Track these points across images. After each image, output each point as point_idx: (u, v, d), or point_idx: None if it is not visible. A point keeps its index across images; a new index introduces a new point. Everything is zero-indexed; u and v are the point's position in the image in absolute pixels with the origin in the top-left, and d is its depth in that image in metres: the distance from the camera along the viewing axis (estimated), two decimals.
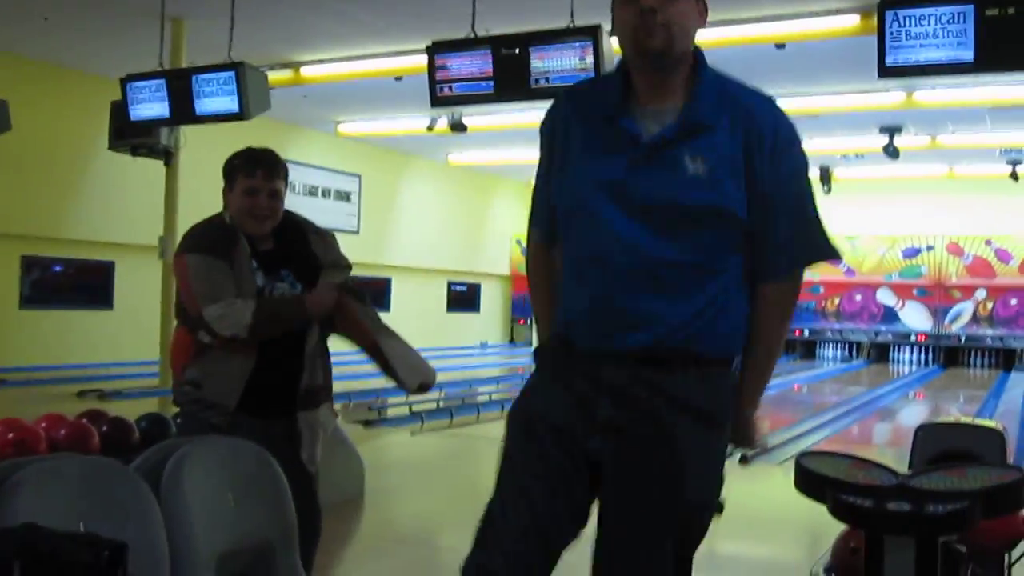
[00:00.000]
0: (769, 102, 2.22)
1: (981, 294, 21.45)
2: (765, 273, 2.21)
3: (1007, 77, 10.86)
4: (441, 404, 10.57)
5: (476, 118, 14.76)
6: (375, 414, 10.07)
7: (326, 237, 3.35)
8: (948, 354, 21.56)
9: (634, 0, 2.12)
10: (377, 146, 18.90)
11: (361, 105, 15.39)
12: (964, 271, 21.55)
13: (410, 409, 10.04)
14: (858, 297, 22.31)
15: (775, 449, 8.57)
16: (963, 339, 21.54)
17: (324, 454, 3.30)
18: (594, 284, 2.18)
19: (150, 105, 9.75)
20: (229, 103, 9.16)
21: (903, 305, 22.09)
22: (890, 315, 22.18)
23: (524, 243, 2.57)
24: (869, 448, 10.35)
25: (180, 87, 9.45)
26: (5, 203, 12.82)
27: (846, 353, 22.52)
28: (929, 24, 6.45)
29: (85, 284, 14.82)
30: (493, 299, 24.30)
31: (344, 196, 18.93)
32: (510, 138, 16.98)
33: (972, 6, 6.31)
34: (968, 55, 6.37)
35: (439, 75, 8.27)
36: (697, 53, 2.22)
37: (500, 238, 22.98)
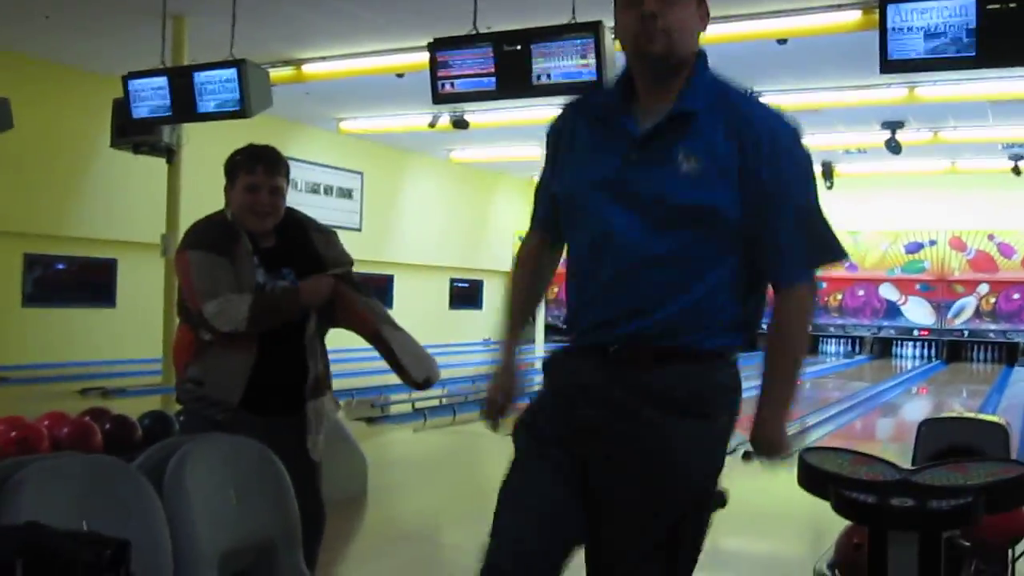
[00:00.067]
0: (768, 110, 2.20)
1: (984, 289, 21.43)
2: (778, 278, 2.20)
3: (1009, 71, 10.84)
4: (444, 401, 10.56)
5: (477, 115, 14.75)
6: (378, 411, 10.06)
7: (328, 235, 3.35)
8: (951, 349, 21.55)
9: (635, 5, 2.12)
10: (379, 143, 18.90)
11: (363, 102, 15.39)
12: (967, 266, 21.53)
13: (413, 406, 10.04)
14: (861, 292, 22.29)
15: None
16: (966, 334, 21.53)
17: (327, 451, 3.31)
18: (588, 279, 2.21)
19: (152, 103, 9.75)
20: (231, 101, 9.16)
21: (906, 300, 22.08)
22: (893, 310, 22.17)
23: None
24: (872, 443, 10.34)
25: (182, 85, 9.45)
26: (7, 201, 12.82)
27: (849, 348, 22.50)
28: (931, 19, 6.45)
29: (87, 282, 14.83)
30: (496, 296, 24.29)
31: (346, 193, 18.94)
32: (512, 135, 16.99)
33: (974, 0, 6.30)
34: (970, 50, 6.37)
35: (441, 72, 8.27)
36: (699, 56, 2.21)
37: (502, 235, 22.97)
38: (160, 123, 10.43)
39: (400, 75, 11.99)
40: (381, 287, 19.33)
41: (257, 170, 3.17)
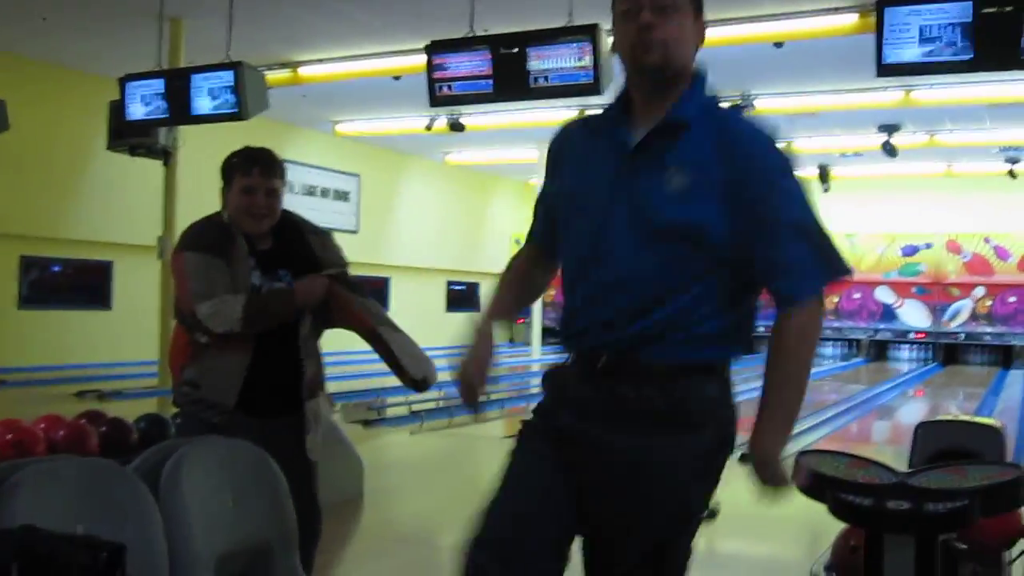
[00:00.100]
0: (761, 132, 2.17)
1: (980, 291, 21.46)
2: (782, 296, 2.13)
3: (1005, 75, 10.86)
4: (440, 404, 10.55)
5: (474, 117, 14.76)
6: (374, 414, 10.05)
7: (324, 237, 3.36)
8: (947, 352, 21.57)
9: (632, 17, 2.12)
10: (375, 146, 18.90)
11: (359, 105, 15.39)
12: (963, 269, 21.57)
13: (409, 409, 10.03)
14: (857, 295, 22.31)
15: None
16: (962, 337, 21.55)
17: (323, 454, 3.31)
18: (575, 290, 2.22)
19: (148, 105, 9.74)
20: (227, 103, 9.15)
21: (902, 303, 22.11)
22: (889, 313, 22.20)
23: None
24: (868, 446, 10.36)
25: (178, 87, 9.44)
26: (3, 203, 12.80)
27: (845, 351, 22.52)
28: (927, 22, 6.46)
29: (83, 284, 14.82)
30: None
31: (343, 196, 18.93)
32: (508, 137, 16.99)
33: (970, 4, 6.31)
34: (966, 53, 6.38)
35: (437, 75, 8.27)
36: (697, 75, 2.21)
37: (499, 237, 22.97)
38: (156, 125, 10.41)
39: (397, 78, 11.99)
40: (377, 289, 19.32)
41: (253, 172, 3.17)
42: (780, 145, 2.16)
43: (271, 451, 2.87)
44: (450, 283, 22.83)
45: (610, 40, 7.51)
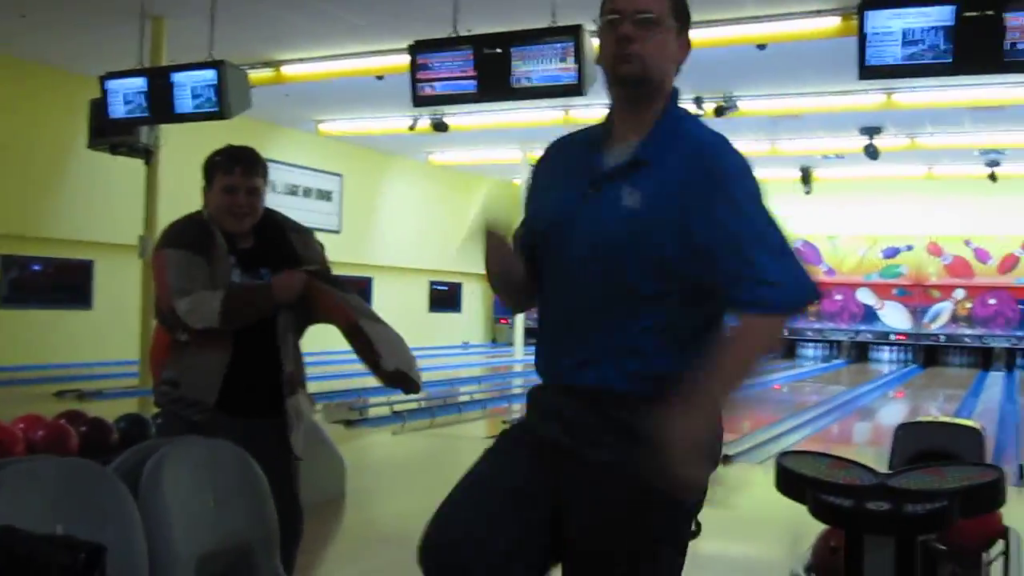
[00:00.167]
0: (721, 138, 2.14)
1: (960, 294, 21.60)
2: (741, 306, 2.06)
3: (985, 78, 10.93)
4: (423, 404, 10.55)
5: (457, 117, 14.75)
6: (356, 414, 10.04)
7: (306, 235, 3.36)
8: (927, 353, 21.70)
9: (615, 27, 2.12)
10: (358, 145, 18.87)
11: (342, 104, 15.36)
12: (943, 271, 21.70)
13: (392, 409, 10.01)
14: (838, 297, 22.42)
15: (756, 449, 8.61)
16: (942, 338, 21.68)
17: (305, 454, 3.29)
18: (544, 316, 2.23)
19: (130, 103, 9.69)
20: (209, 102, 9.12)
21: (883, 305, 22.23)
22: (870, 314, 22.31)
23: None
24: (849, 447, 10.40)
25: (160, 85, 9.40)
26: None
27: (826, 352, 22.62)
28: (909, 25, 6.49)
29: (64, 283, 14.74)
30: (475, 299, 24.28)
31: (325, 195, 18.89)
32: (491, 138, 16.98)
33: (952, 8, 6.35)
34: (947, 56, 6.42)
35: (421, 74, 8.26)
36: (672, 93, 2.20)
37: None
38: (138, 124, 10.36)
39: (380, 77, 11.97)
40: (360, 290, 19.27)
41: (235, 171, 3.17)
42: (736, 153, 2.12)
43: (252, 451, 2.86)
44: (433, 283, 22.81)
45: (594, 41, 7.52)
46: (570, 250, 2.13)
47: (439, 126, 14.76)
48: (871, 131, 15.30)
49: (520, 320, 19.71)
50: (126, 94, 9.67)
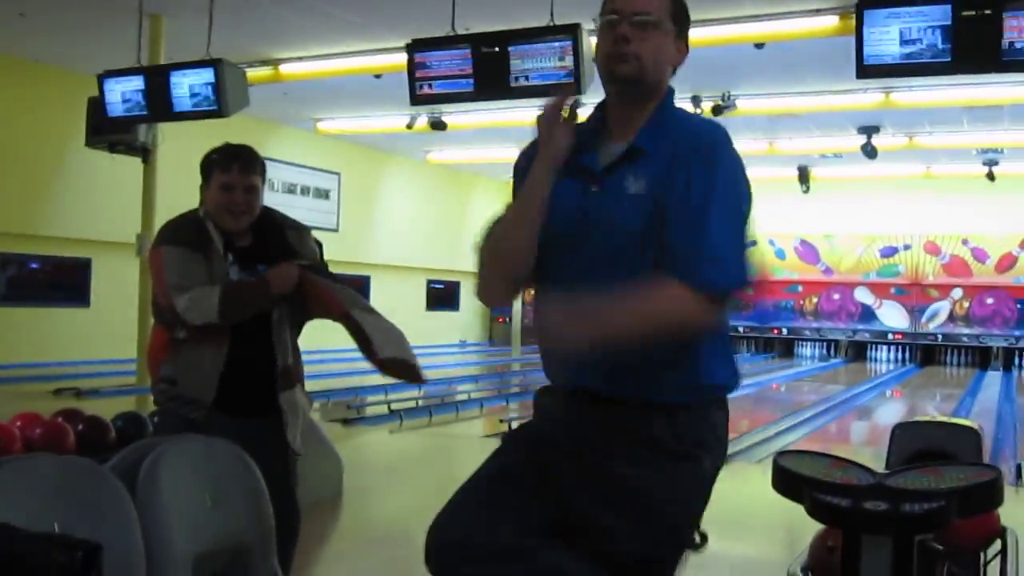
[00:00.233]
0: (711, 123, 2.16)
1: (958, 293, 21.61)
2: (672, 270, 2.01)
3: (983, 78, 10.93)
4: (420, 403, 10.55)
5: (455, 116, 14.75)
6: (354, 412, 10.03)
7: (303, 232, 3.36)
8: (925, 353, 21.71)
9: (612, 27, 2.13)
10: (356, 144, 18.86)
11: (340, 103, 15.35)
12: (941, 270, 21.71)
13: (389, 408, 10.02)
14: (836, 296, 22.43)
15: (753, 448, 8.61)
16: (940, 338, 21.69)
17: (303, 452, 3.29)
18: (546, 320, 2.17)
19: (128, 102, 9.69)
20: (207, 100, 9.12)
21: (880, 304, 22.23)
22: (868, 314, 22.32)
23: None
24: (846, 447, 10.40)
25: (158, 84, 9.40)
26: None
27: (824, 352, 22.63)
28: (907, 24, 6.50)
29: (62, 281, 14.73)
30: (472, 297, 24.19)
31: (323, 194, 18.88)
32: (489, 136, 16.99)
33: (949, 7, 6.36)
34: (945, 55, 6.42)
35: (419, 73, 8.26)
36: (667, 92, 2.20)
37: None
38: (136, 122, 10.36)
39: (378, 76, 11.97)
40: (358, 288, 19.16)
41: (232, 169, 3.17)
42: (724, 137, 2.11)
43: (249, 450, 2.86)
44: (430, 282, 22.80)
45: (592, 40, 7.54)
46: (585, 247, 2.11)
47: (437, 125, 14.76)
48: (869, 130, 15.30)
49: (517, 319, 19.72)
50: (124, 93, 9.67)
